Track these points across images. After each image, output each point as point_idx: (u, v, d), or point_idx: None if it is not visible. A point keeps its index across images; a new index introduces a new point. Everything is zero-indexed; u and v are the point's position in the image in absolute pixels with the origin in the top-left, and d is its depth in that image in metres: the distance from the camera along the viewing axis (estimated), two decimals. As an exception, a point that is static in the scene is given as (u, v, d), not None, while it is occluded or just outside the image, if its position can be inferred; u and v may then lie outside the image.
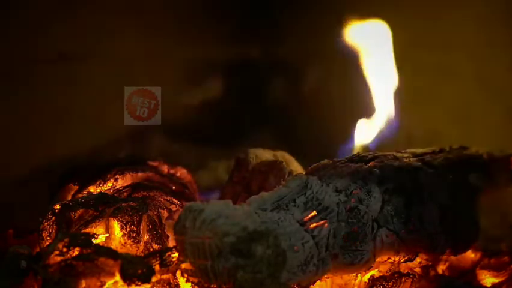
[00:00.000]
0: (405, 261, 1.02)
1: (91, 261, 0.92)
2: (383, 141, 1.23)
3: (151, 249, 1.02)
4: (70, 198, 1.12)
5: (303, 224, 0.91)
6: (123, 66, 1.58)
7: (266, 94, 1.79)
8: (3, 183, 1.42)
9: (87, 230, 1.01)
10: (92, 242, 0.96)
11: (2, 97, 1.45)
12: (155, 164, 1.18)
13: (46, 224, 1.05)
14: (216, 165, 1.52)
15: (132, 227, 1.03)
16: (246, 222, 0.86)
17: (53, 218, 1.05)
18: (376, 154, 1.04)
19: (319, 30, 1.63)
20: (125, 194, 1.11)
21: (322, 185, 0.96)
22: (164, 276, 0.98)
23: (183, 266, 0.90)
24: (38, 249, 1.07)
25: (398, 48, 1.61)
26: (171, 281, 0.99)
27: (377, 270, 1.03)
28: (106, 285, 0.93)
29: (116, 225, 1.02)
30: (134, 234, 1.03)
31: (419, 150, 1.06)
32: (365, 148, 1.23)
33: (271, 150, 1.27)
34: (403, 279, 1.02)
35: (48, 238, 1.04)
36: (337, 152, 1.26)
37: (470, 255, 1.14)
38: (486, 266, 1.12)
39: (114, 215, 1.03)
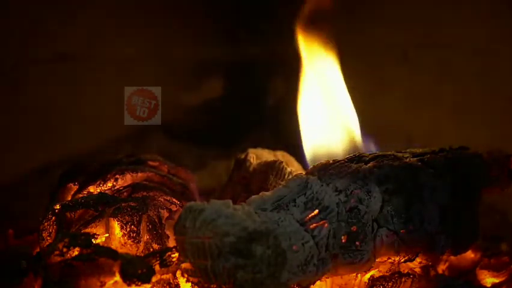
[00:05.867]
0: (405, 261, 1.02)
1: (91, 261, 0.92)
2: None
3: (151, 249, 1.02)
4: (70, 198, 1.11)
5: (303, 224, 0.91)
6: (123, 66, 1.58)
7: (266, 94, 1.79)
8: (3, 183, 1.42)
9: (87, 230, 1.01)
10: (92, 242, 0.96)
11: (2, 97, 1.45)
12: (155, 164, 1.18)
13: (46, 224, 1.04)
14: (215, 165, 1.52)
15: (132, 227, 1.03)
16: (246, 222, 0.86)
17: (53, 218, 1.04)
18: (376, 154, 1.04)
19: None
20: (125, 194, 1.10)
21: (322, 185, 0.96)
22: (164, 276, 0.98)
23: (183, 266, 0.89)
24: (38, 249, 1.07)
25: (398, 48, 1.61)
26: (171, 281, 0.99)
27: (377, 270, 1.03)
28: (106, 285, 0.93)
29: (116, 225, 1.02)
30: (134, 234, 1.02)
31: (419, 150, 1.06)
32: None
33: (271, 150, 1.26)
34: (403, 279, 1.02)
35: (48, 238, 1.04)
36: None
37: (470, 255, 1.15)
38: (486, 266, 1.12)
39: (114, 215, 1.03)
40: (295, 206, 0.93)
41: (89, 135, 1.56)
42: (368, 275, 1.03)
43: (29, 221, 1.16)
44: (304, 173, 1.04)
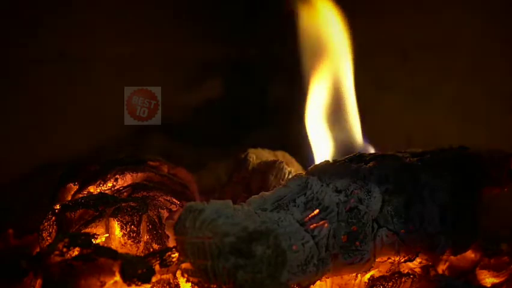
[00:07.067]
0: (405, 261, 1.02)
1: (91, 261, 0.92)
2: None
3: (151, 249, 1.02)
4: (69, 198, 1.12)
5: (303, 224, 0.91)
6: (123, 66, 1.58)
7: (266, 94, 1.79)
8: (3, 183, 1.42)
9: (87, 230, 1.01)
10: (92, 242, 0.96)
11: (3, 97, 1.45)
12: (155, 164, 1.18)
13: (46, 224, 1.05)
14: (216, 165, 1.52)
15: (132, 227, 1.03)
16: (246, 222, 0.86)
17: (53, 218, 1.05)
18: (376, 154, 1.04)
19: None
20: (125, 194, 1.11)
21: (322, 185, 0.96)
22: (164, 276, 0.98)
23: (183, 266, 0.90)
24: (38, 249, 1.07)
25: (398, 48, 1.61)
26: (171, 281, 0.99)
27: (377, 270, 1.04)
28: (106, 285, 0.93)
29: (116, 225, 1.02)
30: (134, 234, 1.03)
31: (419, 150, 1.06)
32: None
33: (271, 150, 1.27)
34: (403, 279, 1.02)
35: (48, 238, 1.04)
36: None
37: (470, 255, 1.14)
38: (486, 266, 1.12)
39: (114, 215, 1.03)
40: (295, 206, 0.93)
41: (89, 135, 1.56)
42: (368, 275, 1.03)
43: (29, 221, 1.16)
44: (304, 173, 1.04)
